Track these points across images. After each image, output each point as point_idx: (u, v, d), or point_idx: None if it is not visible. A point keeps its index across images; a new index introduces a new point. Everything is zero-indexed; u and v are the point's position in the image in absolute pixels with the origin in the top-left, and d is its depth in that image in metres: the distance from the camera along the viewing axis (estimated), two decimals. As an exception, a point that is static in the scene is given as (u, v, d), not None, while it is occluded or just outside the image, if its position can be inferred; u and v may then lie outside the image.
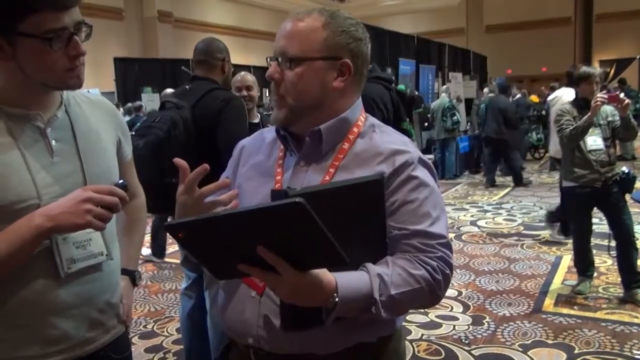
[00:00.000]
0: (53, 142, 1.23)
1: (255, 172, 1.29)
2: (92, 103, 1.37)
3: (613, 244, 3.94)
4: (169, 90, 6.47)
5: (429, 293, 1.12)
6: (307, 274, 0.97)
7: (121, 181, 1.23)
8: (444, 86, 11.05)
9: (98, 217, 1.13)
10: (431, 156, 9.96)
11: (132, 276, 1.51)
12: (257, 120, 3.41)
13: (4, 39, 1.12)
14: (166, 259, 5.62)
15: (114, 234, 1.38)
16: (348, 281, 1.03)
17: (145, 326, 3.90)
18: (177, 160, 1.17)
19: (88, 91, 1.55)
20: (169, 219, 2.17)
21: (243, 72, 3.56)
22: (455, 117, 9.90)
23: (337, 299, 1.01)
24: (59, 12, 1.13)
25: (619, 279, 4.04)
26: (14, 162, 1.16)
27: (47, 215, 1.13)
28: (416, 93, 9.32)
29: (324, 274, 1.00)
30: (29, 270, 1.18)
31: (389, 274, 1.08)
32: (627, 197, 3.90)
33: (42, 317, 1.20)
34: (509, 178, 9.70)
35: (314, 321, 1.03)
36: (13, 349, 1.19)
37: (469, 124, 11.56)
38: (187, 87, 2.74)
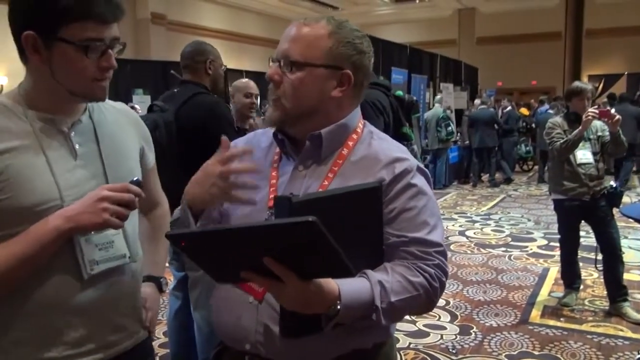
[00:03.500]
0: (76, 146, 1.25)
1: (251, 173, 1.27)
2: (116, 110, 1.40)
3: (600, 257, 3.98)
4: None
5: (426, 300, 1.13)
6: (312, 283, 0.96)
7: (135, 178, 1.24)
8: (438, 96, 11.10)
9: (115, 215, 1.16)
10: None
11: (158, 282, 1.51)
12: (247, 127, 3.45)
13: (43, 42, 1.14)
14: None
15: (136, 236, 1.37)
16: (350, 289, 1.03)
17: (131, 329, 3.86)
18: (224, 138, 1.18)
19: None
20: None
21: (245, 79, 3.63)
22: (450, 128, 9.95)
23: (339, 307, 1.01)
24: (102, 25, 1.16)
25: (605, 292, 4.08)
26: (38, 165, 1.18)
27: (65, 216, 1.15)
28: (414, 98, 9.35)
29: (327, 282, 1.00)
30: (52, 272, 1.18)
31: (389, 281, 1.09)
32: (615, 210, 3.94)
33: (64, 319, 1.20)
34: (497, 189, 9.77)
35: (313, 328, 1.03)
36: (35, 350, 1.18)
37: (459, 134, 11.64)
38: (175, 90, 2.79)
